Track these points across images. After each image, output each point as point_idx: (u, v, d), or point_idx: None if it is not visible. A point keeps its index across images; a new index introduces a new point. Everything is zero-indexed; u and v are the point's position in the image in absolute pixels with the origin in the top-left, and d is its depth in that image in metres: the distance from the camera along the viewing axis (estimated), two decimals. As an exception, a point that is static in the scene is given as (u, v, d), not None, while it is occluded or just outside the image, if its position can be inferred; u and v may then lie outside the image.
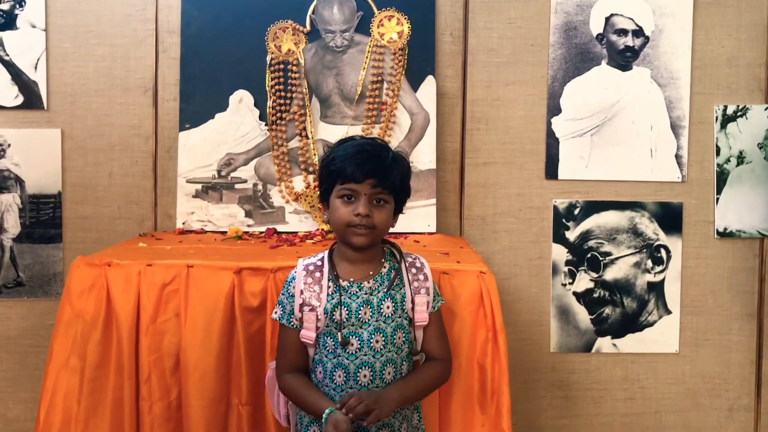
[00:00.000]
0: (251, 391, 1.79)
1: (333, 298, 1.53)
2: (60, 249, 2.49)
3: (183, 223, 2.42)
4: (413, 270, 1.60)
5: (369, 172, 1.50)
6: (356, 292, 1.54)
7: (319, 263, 1.58)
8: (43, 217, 2.48)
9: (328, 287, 1.54)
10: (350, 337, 1.52)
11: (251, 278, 1.78)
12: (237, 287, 1.77)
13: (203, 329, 1.75)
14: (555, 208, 2.53)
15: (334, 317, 1.53)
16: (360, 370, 1.52)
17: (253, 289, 1.78)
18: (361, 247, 1.54)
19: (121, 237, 2.44)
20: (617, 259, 2.55)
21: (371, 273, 1.57)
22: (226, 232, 2.39)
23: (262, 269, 1.78)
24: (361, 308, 1.53)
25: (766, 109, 2.52)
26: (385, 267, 1.58)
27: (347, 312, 1.53)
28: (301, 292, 1.55)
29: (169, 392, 1.78)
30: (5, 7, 2.44)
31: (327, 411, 1.46)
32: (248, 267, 1.78)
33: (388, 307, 1.55)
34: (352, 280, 1.55)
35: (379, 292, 1.55)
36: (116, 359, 1.77)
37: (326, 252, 1.61)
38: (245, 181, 2.44)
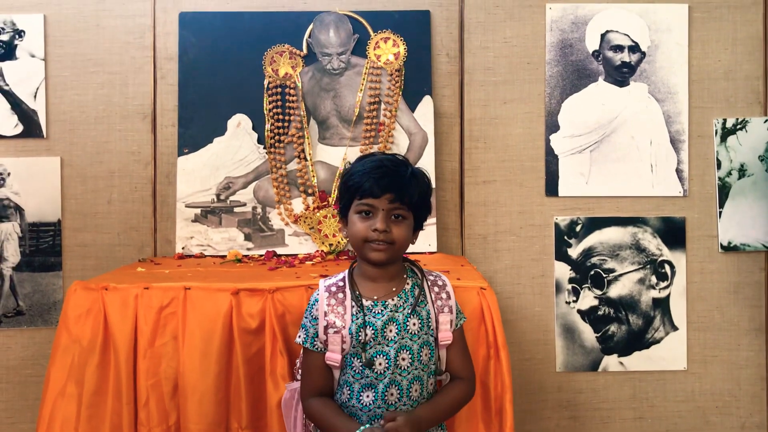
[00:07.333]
0: (251, 415, 1.75)
1: (358, 319, 1.50)
2: (60, 277, 2.48)
3: (182, 248, 2.40)
4: (436, 288, 1.57)
5: (386, 187, 1.47)
6: (381, 310, 1.51)
7: (341, 284, 1.55)
8: (43, 245, 2.48)
9: (352, 307, 1.51)
10: (376, 356, 1.49)
11: (249, 299, 1.76)
12: (235, 309, 1.74)
13: (201, 352, 1.72)
14: (556, 225, 2.51)
15: (359, 338, 1.49)
16: (388, 389, 1.49)
17: (251, 310, 1.75)
18: (380, 262, 1.50)
19: (121, 264, 2.43)
20: (621, 275, 2.52)
21: (394, 290, 1.53)
22: (225, 256, 2.38)
23: (259, 290, 1.76)
24: (386, 326, 1.50)
25: (765, 122, 2.51)
26: (408, 284, 1.55)
27: (373, 331, 1.49)
28: (325, 314, 1.51)
29: (167, 417, 1.74)
30: (5, 37, 2.46)
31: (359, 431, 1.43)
32: (246, 288, 1.76)
33: (414, 324, 1.51)
34: (375, 298, 1.52)
35: (404, 309, 1.52)
36: (114, 384, 1.74)
37: (346, 272, 1.57)
38: (244, 205, 2.43)
